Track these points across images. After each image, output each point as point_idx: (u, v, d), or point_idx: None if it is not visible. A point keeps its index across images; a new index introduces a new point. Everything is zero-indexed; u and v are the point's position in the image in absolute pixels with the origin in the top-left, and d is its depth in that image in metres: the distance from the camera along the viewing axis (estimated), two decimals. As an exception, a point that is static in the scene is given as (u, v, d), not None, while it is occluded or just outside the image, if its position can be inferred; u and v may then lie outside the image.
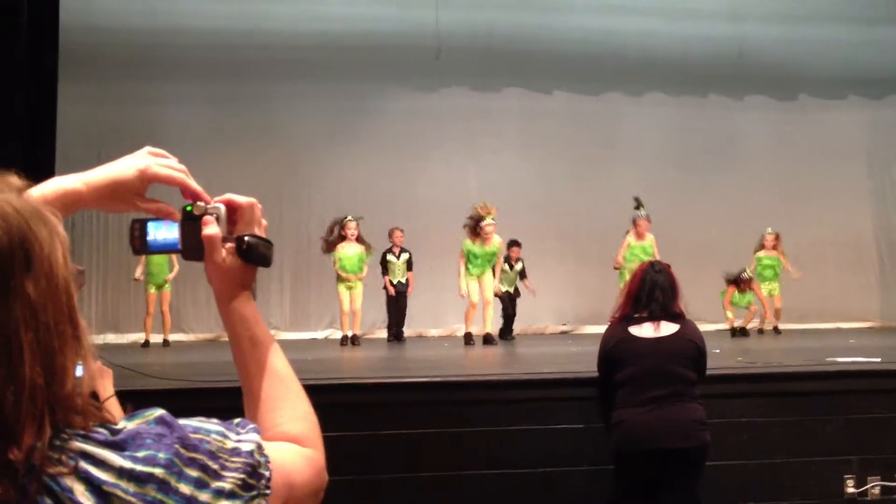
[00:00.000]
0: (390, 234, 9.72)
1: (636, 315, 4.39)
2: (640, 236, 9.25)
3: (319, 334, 10.59)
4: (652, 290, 4.39)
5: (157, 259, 8.77)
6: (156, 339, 9.21)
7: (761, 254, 10.10)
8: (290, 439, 1.12)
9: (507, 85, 11.28)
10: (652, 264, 4.54)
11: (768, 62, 11.57)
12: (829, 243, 11.52)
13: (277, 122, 10.86)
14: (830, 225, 11.52)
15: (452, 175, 10.98)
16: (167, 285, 9.28)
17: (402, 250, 9.70)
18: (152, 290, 9.17)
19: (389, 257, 9.65)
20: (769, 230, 10.10)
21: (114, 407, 1.41)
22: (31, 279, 0.88)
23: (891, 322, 11.09)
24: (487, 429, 4.81)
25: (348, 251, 9.07)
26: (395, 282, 9.59)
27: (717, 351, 6.51)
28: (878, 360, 5.90)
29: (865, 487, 5.11)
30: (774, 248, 10.05)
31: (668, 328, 4.34)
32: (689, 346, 4.36)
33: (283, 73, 10.79)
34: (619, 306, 4.55)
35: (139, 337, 9.48)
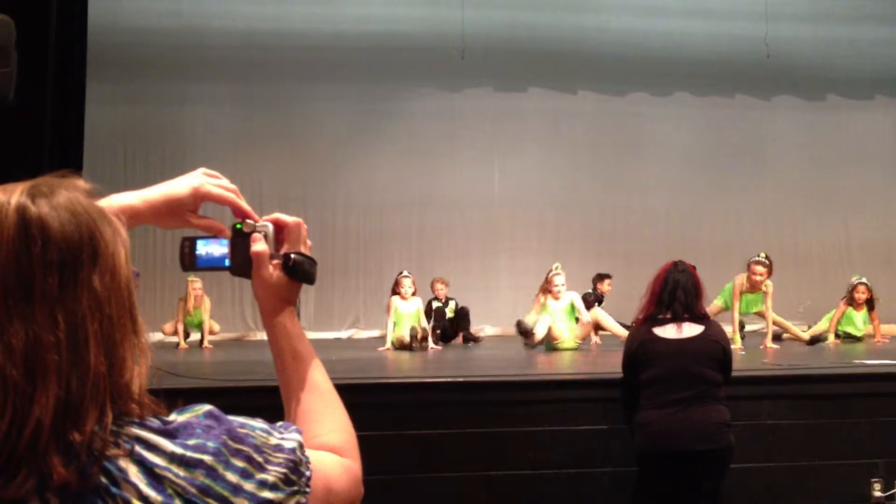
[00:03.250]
0: (432, 286, 9.38)
1: (660, 316, 4.38)
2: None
3: (343, 334, 10.62)
4: (674, 291, 4.37)
5: None
6: (171, 338, 9.19)
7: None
8: (329, 449, 1.16)
9: (532, 85, 11.25)
10: (675, 264, 4.52)
11: (796, 62, 11.48)
12: (857, 246, 11.41)
13: (302, 123, 10.91)
14: (858, 227, 11.41)
15: (477, 176, 10.97)
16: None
17: (448, 299, 9.39)
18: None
19: (436, 305, 9.25)
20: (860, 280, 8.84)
21: None
22: (97, 273, 0.95)
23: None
24: (512, 429, 4.81)
25: (405, 308, 8.28)
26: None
27: (743, 352, 6.47)
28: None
29: (893, 491, 5.06)
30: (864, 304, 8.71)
31: (691, 329, 4.32)
32: (714, 348, 4.35)
33: (308, 74, 10.83)
34: (642, 307, 4.54)
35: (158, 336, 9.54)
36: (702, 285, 4.47)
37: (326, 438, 1.17)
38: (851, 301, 8.71)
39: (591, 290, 9.34)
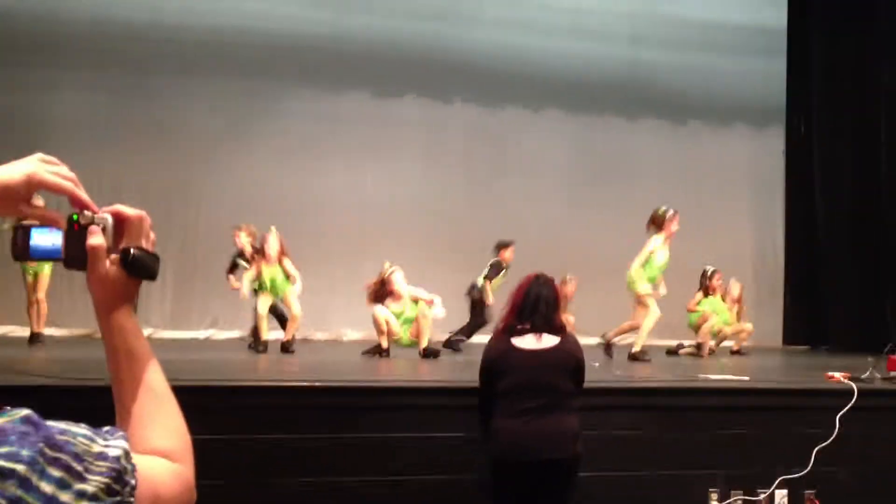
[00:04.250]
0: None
1: (519, 326, 4.47)
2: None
3: (201, 334, 10.38)
4: (536, 303, 4.47)
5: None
6: (19, 332, 8.75)
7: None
8: (160, 454, 1.12)
9: (410, 93, 11.31)
10: (537, 277, 4.62)
11: (662, 87, 11.95)
12: (712, 265, 11.92)
13: (171, 118, 10.61)
14: (713, 248, 11.90)
15: (350, 180, 10.93)
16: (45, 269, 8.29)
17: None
18: (30, 278, 8.33)
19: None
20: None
21: None
22: None
23: (762, 342, 11.54)
24: (372, 435, 4.80)
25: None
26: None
27: (597, 364, 6.66)
28: (747, 378, 6.13)
29: (728, 501, 5.31)
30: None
31: (549, 340, 4.43)
32: (569, 359, 4.47)
33: (179, 68, 10.57)
34: (503, 317, 4.62)
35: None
36: (561, 297, 4.58)
37: (158, 443, 1.13)
38: (707, 290, 9.30)
39: (492, 263, 9.48)
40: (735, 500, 5.32)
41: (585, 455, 4.47)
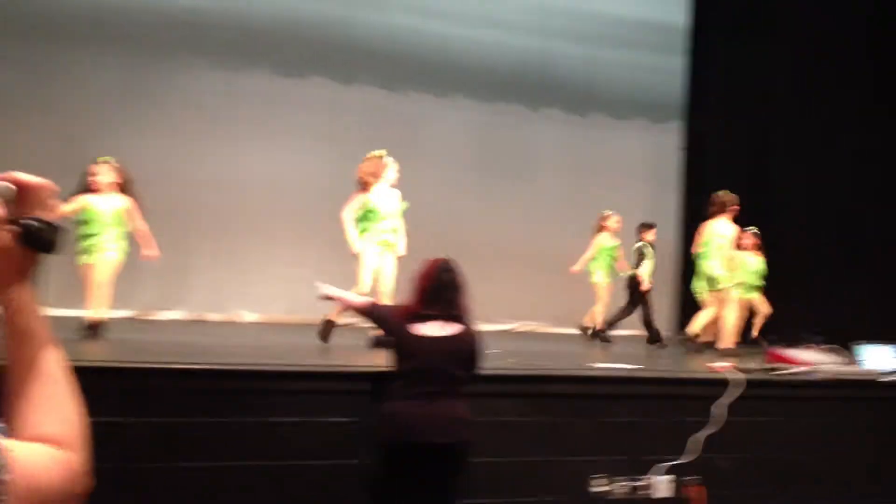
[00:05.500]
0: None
1: (424, 312, 4.48)
2: None
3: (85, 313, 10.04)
4: (441, 290, 4.50)
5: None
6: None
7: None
8: (48, 440, 1.06)
9: (312, 73, 11.14)
10: (442, 262, 4.63)
11: (565, 78, 12.09)
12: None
13: (60, 90, 10.13)
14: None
15: (246, 159, 10.70)
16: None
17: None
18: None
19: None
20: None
21: None
22: None
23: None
24: (258, 419, 4.75)
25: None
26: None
27: (495, 351, 6.73)
28: (634, 366, 6.27)
29: (609, 487, 5.45)
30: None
31: (450, 328, 4.47)
32: (467, 346, 4.52)
33: (74, 37, 10.15)
34: (407, 302, 4.62)
35: None
36: (465, 284, 4.61)
37: (47, 429, 1.07)
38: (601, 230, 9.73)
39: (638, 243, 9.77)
40: (618, 486, 5.46)
41: (475, 441, 4.53)
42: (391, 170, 7.16)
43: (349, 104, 11.16)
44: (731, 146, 11.97)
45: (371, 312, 4.89)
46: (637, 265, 9.63)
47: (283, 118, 10.85)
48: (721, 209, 8.76)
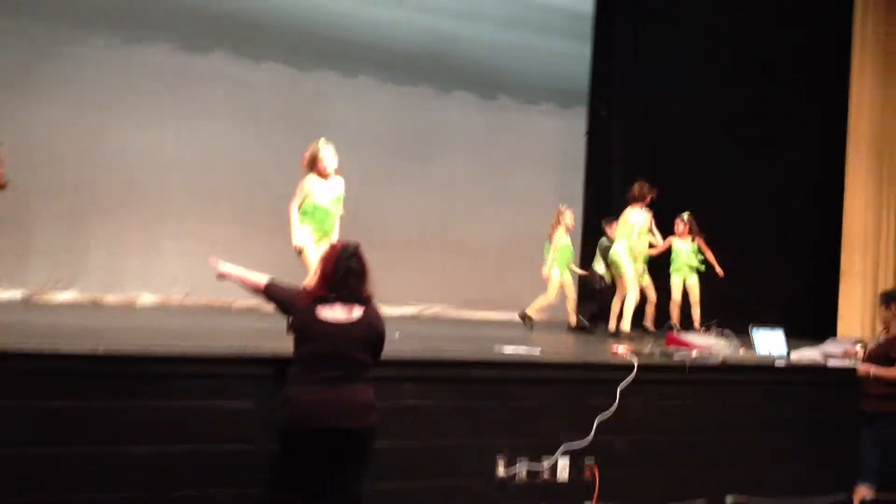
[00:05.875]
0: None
1: (327, 296, 4.42)
2: None
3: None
4: (346, 275, 4.45)
5: None
6: None
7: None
8: None
9: (216, 49, 10.84)
10: (345, 247, 4.58)
11: (475, 61, 12.08)
12: (514, 239, 12.23)
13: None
14: (517, 222, 12.23)
15: (148, 135, 10.36)
16: None
17: None
18: None
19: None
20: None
21: None
22: None
23: (557, 317, 12.00)
24: (154, 404, 4.62)
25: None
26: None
27: (398, 335, 6.71)
28: (538, 351, 6.33)
29: (514, 470, 5.51)
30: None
31: (354, 312, 4.44)
32: (370, 331, 4.49)
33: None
34: (310, 286, 4.55)
35: None
36: (368, 268, 4.57)
37: None
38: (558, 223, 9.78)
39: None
40: (521, 469, 5.52)
41: (380, 426, 4.50)
42: (330, 157, 7.00)
43: (255, 81, 10.92)
44: (633, 132, 12.20)
45: (269, 293, 4.72)
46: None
47: (186, 94, 10.54)
48: (634, 199, 8.94)
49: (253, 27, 10.85)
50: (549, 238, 9.79)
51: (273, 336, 5.90)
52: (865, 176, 10.90)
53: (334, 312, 4.42)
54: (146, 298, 10.12)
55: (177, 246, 10.26)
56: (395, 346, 5.41)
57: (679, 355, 6.37)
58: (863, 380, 6.13)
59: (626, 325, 8.61)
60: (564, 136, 12.61)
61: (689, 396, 6.16)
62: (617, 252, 8.84)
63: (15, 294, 9.48)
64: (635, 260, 8.83)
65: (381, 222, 11.19)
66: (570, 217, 9.89)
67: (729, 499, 6.26)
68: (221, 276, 4.90)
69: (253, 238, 10.12)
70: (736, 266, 9.71)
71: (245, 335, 6.38)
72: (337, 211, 6.93)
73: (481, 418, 5.44)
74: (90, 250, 10.04)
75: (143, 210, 10.23)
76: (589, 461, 5.70)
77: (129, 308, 9.60)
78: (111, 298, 9.97)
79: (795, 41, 11.34)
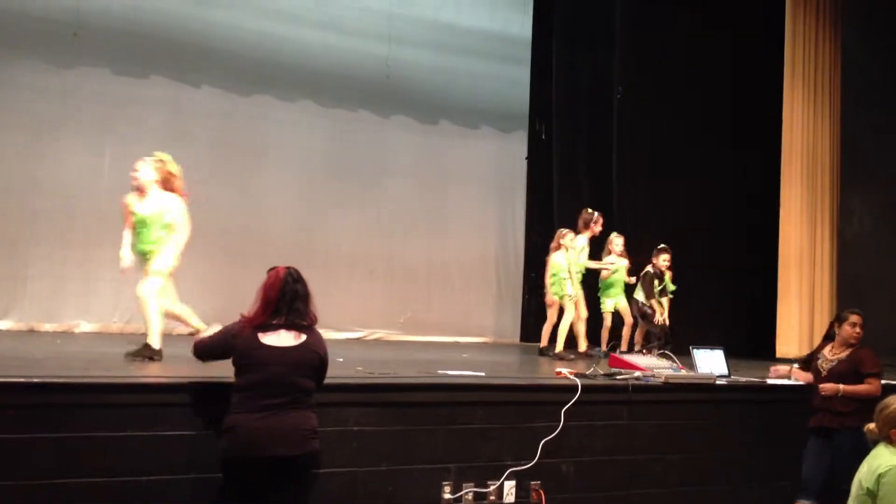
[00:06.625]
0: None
1: (271, 322, 4.37)
2: None
3: None
4: (291, 301, 4.42)
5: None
6: None
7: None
8: None
9: (154, 73, 10.71)
10: (289, 272, 4.53)
11: (416, 86, 12.14)
12: (457, 262, 12.28)
13: None
14: (459, 246, 12.28)
15: (85, 160, 10.18)
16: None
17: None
18: None
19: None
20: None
21: None
22: None
23: (501, 339, 12.05)
24: (87, 434, 4.49)
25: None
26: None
27: (341, 360, 6.65)
28: (483, 374, 6.34)
29: (460, 493, 5.47)
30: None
31: (297, 338, 4.39)
32: (313, 356, 4.45)
33: None
34: (252, 312, 4.48)
35: None
36: (311, 293, 4.53)
37: None
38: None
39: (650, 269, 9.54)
40: (466, 492, 5.48)
41: (322, 452, 4.45)
42: (149, 173, 6.82)
43: (192, 106, 10.81)
44: (573, 154, 12.32)
45: (199, 353, 4.65)
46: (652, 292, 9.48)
47: (124, 119, 10.39)
48: (582, 225, 9.29)
49: (191, 51, 10.77)
50: (546, 262, 9.33)
51: (214, 364, 5.77)
52: (799, 198, 11.14)
53: (279, 338, 4.37)
54: (85, 326, 9.90)
55: (114, 273, 10.01)
56: (339, 370, 5.35)
57: (622, 376, 6.41)
58: (822, 397, 5.90)
59: (560, 345, 8.69)
60: (505, 160, 12.71)
61: (633, 416, 6.19)
62: (561, 277, 8.89)
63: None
64: (575, 282, 8.92)
65: (323, 246, 11.13)
66: (571, 239, 9.25)
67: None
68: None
69: (196, 263, 9.93)
70: (677, 287, 9.80)
71: (187, 362, 6.24)
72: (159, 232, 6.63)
73: (426, 442, 5.40)
74: (28, 279, 9.81)
75: (80, 237, 10.04)
76: (535, 484, 5.68)
77: (67, 336, 9.38)
78: (48, 327, 9.74)
79: (732, 65, 11.57)
